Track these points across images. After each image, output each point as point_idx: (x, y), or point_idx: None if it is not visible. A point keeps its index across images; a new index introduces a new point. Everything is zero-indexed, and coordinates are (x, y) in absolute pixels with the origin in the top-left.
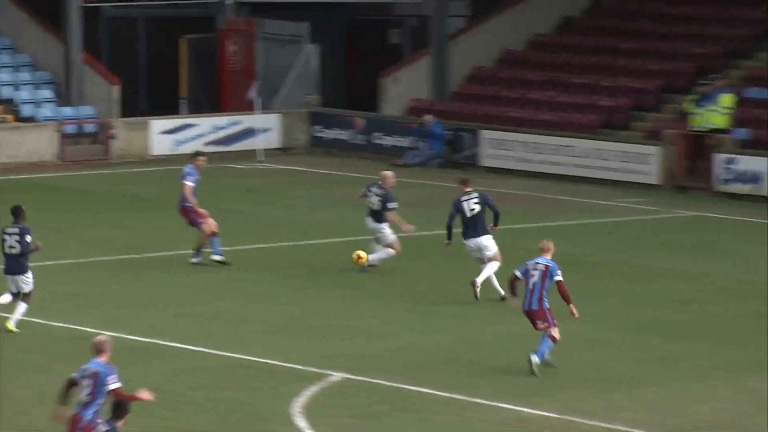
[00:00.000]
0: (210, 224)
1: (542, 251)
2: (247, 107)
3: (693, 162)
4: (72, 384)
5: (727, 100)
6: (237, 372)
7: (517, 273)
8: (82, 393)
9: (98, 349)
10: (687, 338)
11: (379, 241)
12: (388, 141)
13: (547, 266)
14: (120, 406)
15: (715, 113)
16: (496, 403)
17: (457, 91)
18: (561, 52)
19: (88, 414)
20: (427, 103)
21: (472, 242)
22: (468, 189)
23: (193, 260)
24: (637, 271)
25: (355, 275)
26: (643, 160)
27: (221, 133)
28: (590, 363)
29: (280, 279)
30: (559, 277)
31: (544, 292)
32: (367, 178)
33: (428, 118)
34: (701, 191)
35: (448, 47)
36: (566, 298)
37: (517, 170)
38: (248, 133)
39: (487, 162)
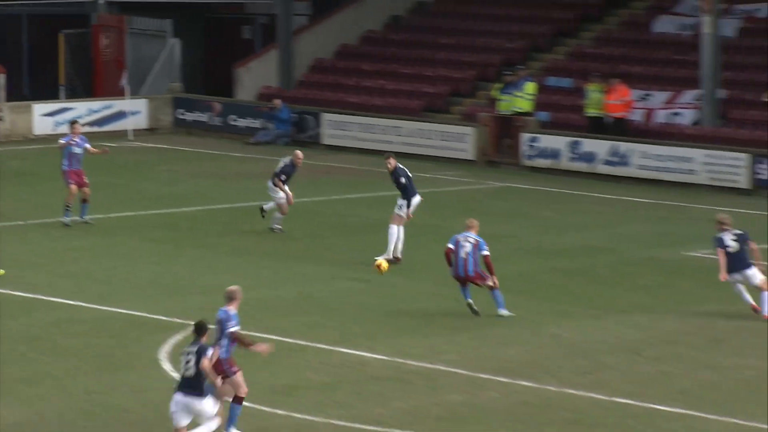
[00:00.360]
0: (72, 189)
1: (468, 228)
2: (118, 93)
3: (502, 140)
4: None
5: (530, 87)
6: (109, 323)
7: (450, 245)
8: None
9: (229, 297)
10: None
11: (272, 200)
12: (242, 122)
13: (477, 240)
14: (200, 327)
15: (521, 99)
16: (335, 348)
17: (301, 79)
18: (390, 46)
19: (223, 353)
20: (275, 90)
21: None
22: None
23: (64, 219)
24: (452, 233)
25: (212, 238)
26: (460, 139)
27: (95, 116)
28: (417, 312)
29: (147, 242)
30: (486, 252)
31: (478, 259)
32: (222, 155)
33: (276, 102)
34: (509, 165)
35: (292, 42)
36: (490, 270)
37: (354, 147)
38: (119, 115)
39: (327, 141)
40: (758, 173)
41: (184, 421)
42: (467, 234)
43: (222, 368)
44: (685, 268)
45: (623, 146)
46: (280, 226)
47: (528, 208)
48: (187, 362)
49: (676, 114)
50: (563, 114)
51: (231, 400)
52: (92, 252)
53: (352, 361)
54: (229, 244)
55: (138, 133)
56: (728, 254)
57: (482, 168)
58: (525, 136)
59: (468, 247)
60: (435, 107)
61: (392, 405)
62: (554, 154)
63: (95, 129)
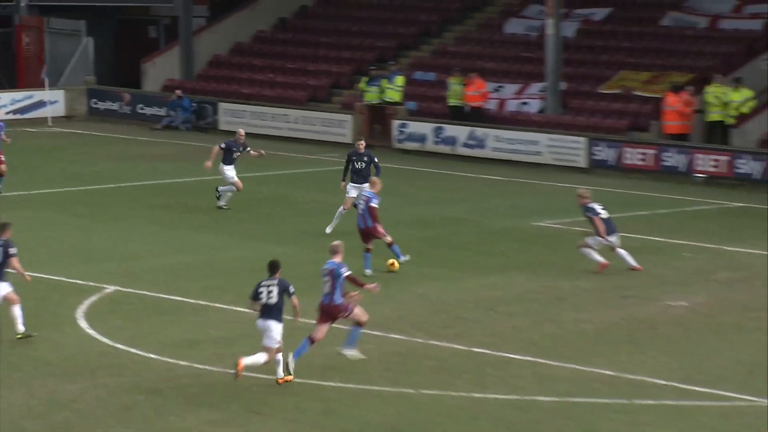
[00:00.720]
0: None
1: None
2: (38, 85)
3: (376, 126)
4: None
5: (400, 80)
6: (32, 286)
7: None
8: (324, 287)
9: (333, 251)
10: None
11: (225, 180)
12: (149, 111)
13: (367, 196)
14: (274, 264)
15: (392, 90)
16: (232, 307)
17: (200, 73)
18: (277, 45)
19: (337, 299)
20: (178, 82)
21: None
22: None
23: None
24: (334, 207)
25: (124, 212)
26: (339, 125)
27: (19, 105)
28: (302, 276)
29: (66, 216)
30: (373, 204)
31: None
32: (132, 139)
33: (179, 93)
34: (383, 148)
35: (192, 40)
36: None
37: (247, 133)
38: (40, 104)
39: (224, 126)
40: (594, 154)
41: (273, 341)
42: (366, 193)
43: (340, 311)
44: (534, 236)
45: (480, 131)
46: (226, 204)
47: (398, 185)
48: (270, 293)
49: (524, 103)
50: (428, 103)
51: (357, 325)
52: (17, 224)
53: (246, 319)
54: (139, 217)
55: (56, 120)
56: (603, 219)
57: None
58: (396, 123)
59: (362, 204)
60: (317, 98)
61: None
62: (421, 138)
63: (18, 117)
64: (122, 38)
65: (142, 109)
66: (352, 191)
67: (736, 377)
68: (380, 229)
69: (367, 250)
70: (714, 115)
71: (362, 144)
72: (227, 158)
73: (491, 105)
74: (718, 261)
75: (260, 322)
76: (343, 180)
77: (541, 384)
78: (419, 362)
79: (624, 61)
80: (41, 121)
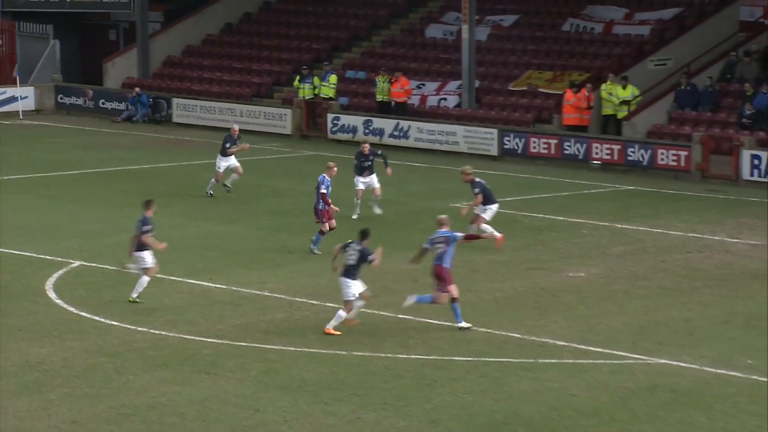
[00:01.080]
0: None
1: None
2: (11, 82)
3: (313, 119)
4: (424, 251)
5: (333, 78)
6: (3, 261)
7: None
8: (437, 252)
9: (441, 223)
10: (304, 234)
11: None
12: (110, 105)
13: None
14: (365, 232)
15: (326, 87)
16: (185, 279)
17: (156, 72)
18: (225, 47)
19: (447, 262)
20: (136, 80)
21: None
22: None
23: None
24: (275, 191)
25: (89, 194)
26: (280, 119)
27: None
28: (247, 251)
29: (35, 198)
30: (322, 190)
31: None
32: (95, 131)
33: (138, 90)
34: (319, 138)
35: (149, 42)
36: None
37: (199, 125)
38: (12, 99)
39: (177, 119)
40: (504, 144)
41: (350, 294)
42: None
43: (449, 276)
44: (451, 215)
45: (404, 124)
46: (229, 187)
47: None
48: (351, 255)
49: (443, 99)
50: (359, 99)
51: (451, 301)
52: None
53: (197, 289)
54: (101, 199)
55: (27, 113)
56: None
57: (297, 141)
58: (330, 116)
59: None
60: (260, 94)
61: (229, 322)
62: (353, 130)
63: None
64: (86, 41)
65: (103, 103)
66: (360, 184)
67: (626, 338)
68: (326, 214)
69: (321, 232)
70: (607, 110)
71: (366, 147)
72: (222, 150)
73: (414, 100)
74: (612, 237)
75: (341, 279)
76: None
77: (457, 345)
78: (351, 327)
79: (530, 62)
80: (13, 115)
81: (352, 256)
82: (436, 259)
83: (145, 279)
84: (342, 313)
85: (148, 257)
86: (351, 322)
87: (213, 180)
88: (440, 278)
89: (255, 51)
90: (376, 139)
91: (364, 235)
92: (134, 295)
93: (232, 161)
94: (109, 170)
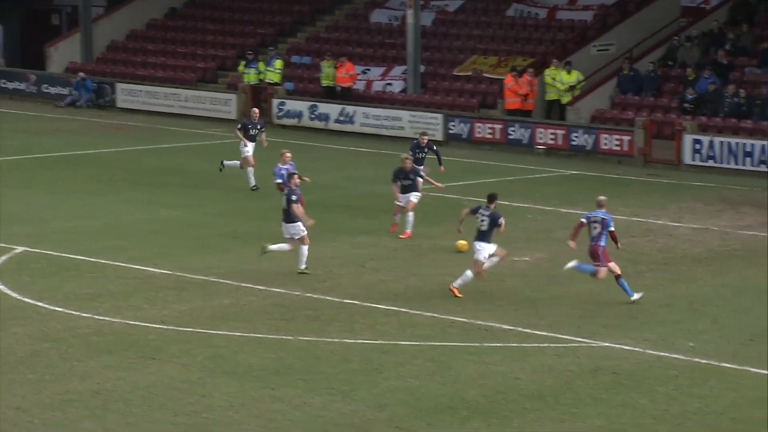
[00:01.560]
0: None
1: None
2: None
3: (258, 104)
4: (581, 226)
5: (278, 63)
6: None
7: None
8: (593, 231)
9: (600, 204)
10: (252, 219)
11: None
12: (53, 90)
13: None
14: (492, 196)
15: (271, 72)
16: (130, 265)
17: (99, 56)
18: (169, 31)
19: (602, 242)
20: (80, 65)
21: None
22: None
23: None
24: (221, 176)
25: (33, 180)
26: (225, 104)
27: None
28: (193, 238)
29: None
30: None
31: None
32: (38, 115)
33: (82, 75)
34: (266, 123)
35: (92, 27)
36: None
37: (143, 110)
38: None
39: (121, 104)
40: (450, 129)
41: (481, 256)
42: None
43: (605, 255)
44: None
45: (349, 109)
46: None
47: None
48: (482, 221)
49: (388, 84)
50: (304, 84)
51: (616, 278)
52: None
53: (143, 275)
54: (46, 184)
55: None
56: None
57: None
58: (275, 101)
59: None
60: (205, 79)
61: (174, 308)
62: (298, 115)
63: None
64: (28, 25)
65: (47, 88)
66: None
67: (570, 322)
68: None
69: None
70: (551, 95)
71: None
72: (245, 133)
73: (359, 86)
74: (556, 221)
75: (475, 243)
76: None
77: (403, 330)
78: (297, 312)
79: (474, 47)
80: None
81: (483, 222)
82: (592, 240)
83: (305, 248)
84: (469, 273)
85: (300, 226)
86: (481, 274)
87: (250, 169)
88: (597, 256)
89: (199, 36)
90: (321, 125)
91: (491, 198)
92: (302, 267)
93: (251, 148)
94: (53, 156)
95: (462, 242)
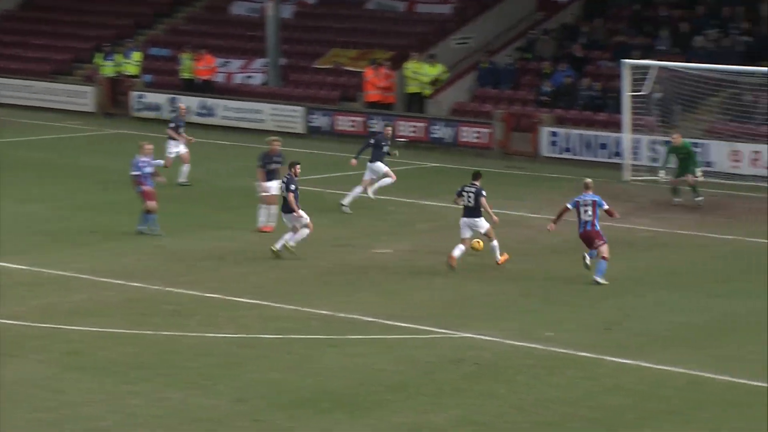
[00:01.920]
0: None
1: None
2: None
3: (116, 97)
4: (565, 211)
5: (137, 55)
6: None
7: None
8: (584, 215)
9: (587, 186)
10: (108, 213)
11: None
12: None
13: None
14: (477, 174)
15: (129, 64)
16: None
17: None
18: (23, 23)
19: (596, 225)
20: None
21: None
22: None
23: None
24: (77, 169)
25: None
26: (81, 96)
27: None
28: (47, 231)
29: None
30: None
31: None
32: None
33: None
34: (123, 116)
35: None
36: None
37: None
38: None
39: None
40: (311, 121)
41: (467, 234)
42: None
43: (598, 236)
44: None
45: (210, 101)
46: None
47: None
48: (468, 197)
49: (249, 77)
50: (163, 77)
51: (603, 258)
52: None
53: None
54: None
55: None
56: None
57: (100, 119)
58: (134, 94)
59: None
60: (61, 71)
61: (29, 304)
62: (156, 108)
63: None
64: None
65: None
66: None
67: (432, 313)
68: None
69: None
70: (412, 88)
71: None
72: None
73: (219, 78)
74: (417, 213)
75: (462, 220)
76: None
77: (265, 323)
78: (157, 307)
79: (335, 40)
80: None
81: (470, 198)
82: (586, 224)
83: (306, 231)
84: (462, 247)
85: (303, 214)
86: (452, 260)
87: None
88: (592, 241)
89: (55, 27)
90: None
91: (476, 175)
92: (289, 245)
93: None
94: None
95: (478, 241)
